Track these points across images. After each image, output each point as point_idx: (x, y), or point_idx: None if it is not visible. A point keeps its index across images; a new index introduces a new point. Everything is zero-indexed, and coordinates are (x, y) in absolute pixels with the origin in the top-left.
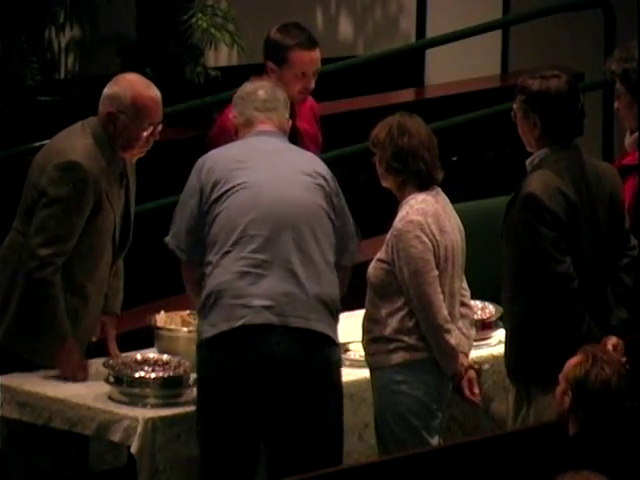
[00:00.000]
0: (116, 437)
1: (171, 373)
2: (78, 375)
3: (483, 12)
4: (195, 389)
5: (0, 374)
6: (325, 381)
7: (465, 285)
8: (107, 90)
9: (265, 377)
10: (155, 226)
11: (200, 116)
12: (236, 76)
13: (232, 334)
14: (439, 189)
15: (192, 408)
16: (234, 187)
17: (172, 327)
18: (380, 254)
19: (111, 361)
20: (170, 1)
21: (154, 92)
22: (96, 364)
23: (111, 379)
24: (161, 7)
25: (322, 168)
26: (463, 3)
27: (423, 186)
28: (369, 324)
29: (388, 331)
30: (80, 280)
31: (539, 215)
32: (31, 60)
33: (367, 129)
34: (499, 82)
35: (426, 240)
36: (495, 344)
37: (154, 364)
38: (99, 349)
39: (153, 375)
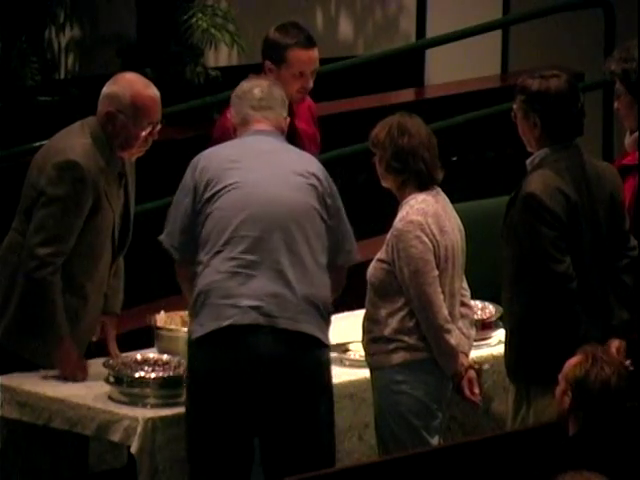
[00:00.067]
0: (116, 437)
1: (171, 373)
2: (78, 375)
3: (483, 12)
4: None
5: (0, 374)
6: (314, 382)
7: (465, 285)
8: (106, 89)
9: (253, 377)
10: (155, 226)
11: (200, 116)
12: (236, 76)
13: (220, 334)
14: (439, 189)
15: None
16: (226, 187)
17: (172, 327)
18: (380, 254)
19: (111, 361)
20: (170, 1)
21: (153, 91)
22: (96, 364)
23: (111, 379)
24: (161, 7)
25: (316, 168)
26: (463, 3)
27: (423, 186)
28: (369, 324)
29: (388, 331)
30: (79, 280)
31: (539, 215)
32: (31, 60)
33: (367, 129)
34: (499, 82)
35: (426, 240)
36: (495, 344)
37: (154, 364)
38: (99, 349)
39: (153, 375)
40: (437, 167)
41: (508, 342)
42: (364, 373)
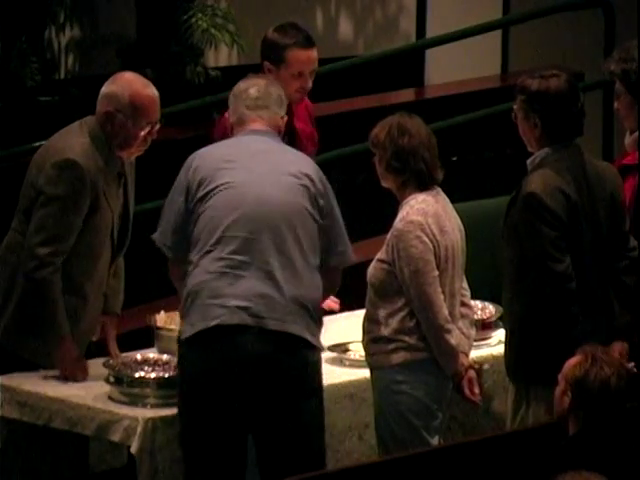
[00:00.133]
0: (116, 437)
1: (171, 373)
2: (78, 375)
3: (483, 12)
4: None
5: (0, 374)
6: (301, 383)
7: (465, 285)
8: (105, 89)
9: (241, 377)
10: (155, 226)
11: (200, 116)
12: (236, 76)
13: (209, 334)
14: (439, 189)
15: None
16: (218, 187)
17: (172, 327)
18: (380, 254)
19: (111, 361)
20: (170, 1)
21: (152, 91)
22: (96, 364)
23: (111, 379)
24: (161, 7)
25: (309, 168)
26: (463, 3)
27: (423, 186)
28: (369, 324)
29: (388, 331)
30: (79, 279)
31: (539, 214)
32: (31, 60)
33: (367, 129)
34: (499, 82)
35: (426, 240)
36: (495, 344)
37: (154, 364)
38: (99, 349)
39: (153, 375)
40: (437, 167)
41: (508, 342)
42: (364, 373)
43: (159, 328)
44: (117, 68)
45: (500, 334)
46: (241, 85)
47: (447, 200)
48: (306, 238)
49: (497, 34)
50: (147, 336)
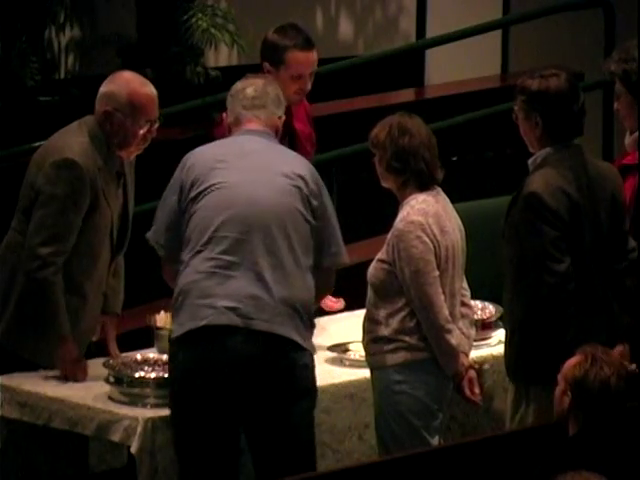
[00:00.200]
0: (116, 437)
1: None
2: (78, 375)
3: (483, 12)
4: None
5: (0, 374)
6: (289, 384)
7: (465, 285)
8: (103, 88)
9: (230, 378)
10: None
11: (200, 116)
12: (236, 76)
13: (197, 334)
14: (439, 189)
15: None
16: (211, 187)
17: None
18: (381, 254)
19: (111, 361)
20: (170, 1)
21: (150, 89)
22: (96, 364)
23: (111, 379)
24: (161, 7)
25: (303, 169)
26: (463, 3)
27: (424, 186)
28: (369, 324)
29: (389, 331)
30: (78, 279)
31: (541, 214)
32: (31, 60)
33: (367, 129)
34: (499, 82)
35: (427, 240)
36: (495, 344)
37: (154, 364)
38: (99, 349)
39: (153, 375)
40: (437, 167)
41: (508, 342)
42: (364, 373)
43: (159, 328)
44: (117, 68)
45: (500, 334)
46: (238, 85)
47: (447, 200)
48: (298, 239)
49: (497, 34)
50: (147, 336)
